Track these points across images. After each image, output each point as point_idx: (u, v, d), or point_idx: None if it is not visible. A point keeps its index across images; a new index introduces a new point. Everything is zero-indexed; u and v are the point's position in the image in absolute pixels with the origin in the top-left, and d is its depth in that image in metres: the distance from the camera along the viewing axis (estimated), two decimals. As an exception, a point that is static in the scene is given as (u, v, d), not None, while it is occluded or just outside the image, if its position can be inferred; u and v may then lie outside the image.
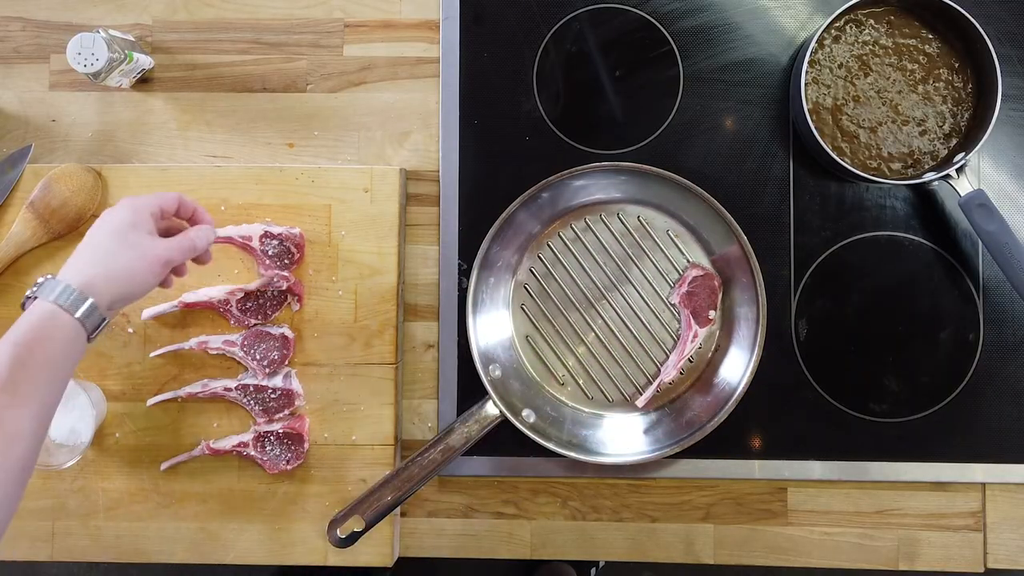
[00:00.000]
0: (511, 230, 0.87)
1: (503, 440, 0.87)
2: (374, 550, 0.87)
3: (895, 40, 0.88)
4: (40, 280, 0.66)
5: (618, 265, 0.89)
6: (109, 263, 0.67)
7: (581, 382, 0.90)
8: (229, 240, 0.86)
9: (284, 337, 0.87)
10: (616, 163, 0.86)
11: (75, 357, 0.65)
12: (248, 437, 0.87)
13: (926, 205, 0.90)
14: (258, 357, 0.86)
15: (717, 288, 0.88)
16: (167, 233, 0.76)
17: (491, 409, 0.85)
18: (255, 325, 0.87)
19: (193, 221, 0.78)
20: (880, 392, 0.89)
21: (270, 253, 0.86)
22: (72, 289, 0.64)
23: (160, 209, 0.73)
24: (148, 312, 0.87)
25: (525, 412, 0.86)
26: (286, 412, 0.87)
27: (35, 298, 0.64)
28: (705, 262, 0.89)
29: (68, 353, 0.64)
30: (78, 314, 0.64)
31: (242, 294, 0.86)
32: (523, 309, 0.90)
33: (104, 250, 0.67)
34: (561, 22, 0.92)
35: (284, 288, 0.86)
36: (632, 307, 0.89)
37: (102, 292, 0.65)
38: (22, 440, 0.59)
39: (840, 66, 0.87)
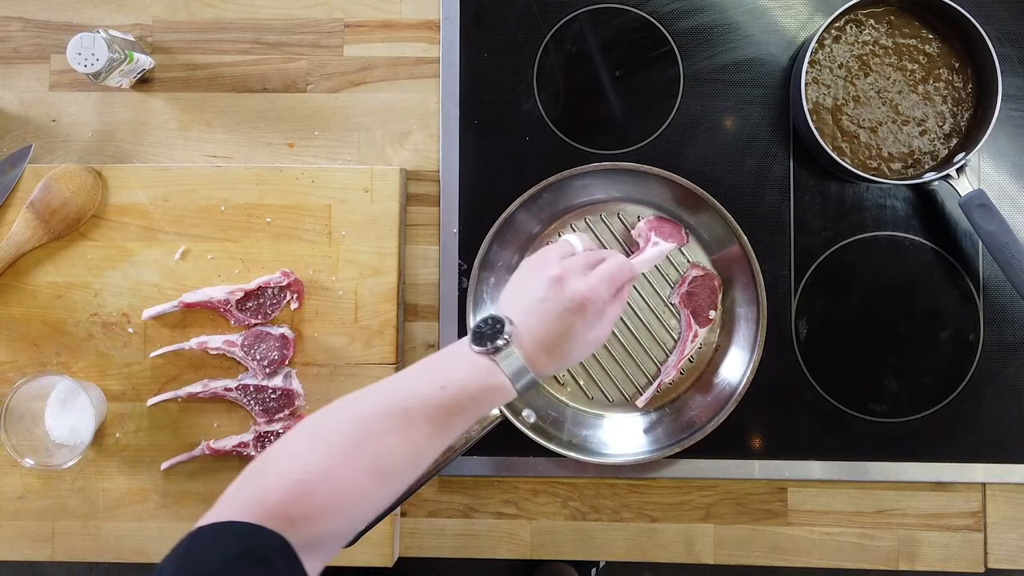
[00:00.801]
0: (511, 230, 0.87)
1: (503, 440, 0.87)
2: (374, 550, 0.87)
3: (895, 40, 0.88)
4: (502, 334, 0.64)
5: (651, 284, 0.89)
6: (560, 354, 0.65)
7: (581, 382, 0.90)
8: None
9: (284, 337, 0.87)
10: (616, 163, 0.86)
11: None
12: (248, 437, 0.87)
13: (926, 205, 0.90)
14: (258, 357, 0.86)
15: (717, 288, 0.88)
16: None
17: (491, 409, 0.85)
18: (255, 325, 0.87)
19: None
20: (880, 392, 0.89)
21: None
22: (527, 374, 0.64)
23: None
24: (148, 312, 0.87)
25: (525, 412, 0.86)
26: (286, 412, 0.87)
27: (496, 349, 0.63)
28: (705, 262, 0.89)
29: (494, 408, 0.68)
30: (522, 391, 0.64)
31: (242, 294, 0.86)
32: (523, 309, 0.90)
33: (559, 343, 0.65)
34: (561, 22, 0.92)
35: (284, 284, 0.86)
36: (632, 307, 0.89)
37: (547, 372, 0.66)
38: (421, 467, 0.62)
39: (840, 66, 0.87)
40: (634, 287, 0.89)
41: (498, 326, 0.64)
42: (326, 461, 0.57)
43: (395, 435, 0.60)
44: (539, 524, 0.91)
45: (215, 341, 0.87)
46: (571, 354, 0.66)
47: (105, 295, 0.89)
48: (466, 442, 0.84)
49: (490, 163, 0.91)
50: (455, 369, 0.64)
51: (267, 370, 0.86)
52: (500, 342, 0.64)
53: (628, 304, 0.89)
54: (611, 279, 0.67)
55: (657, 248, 0.85)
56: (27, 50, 0.94)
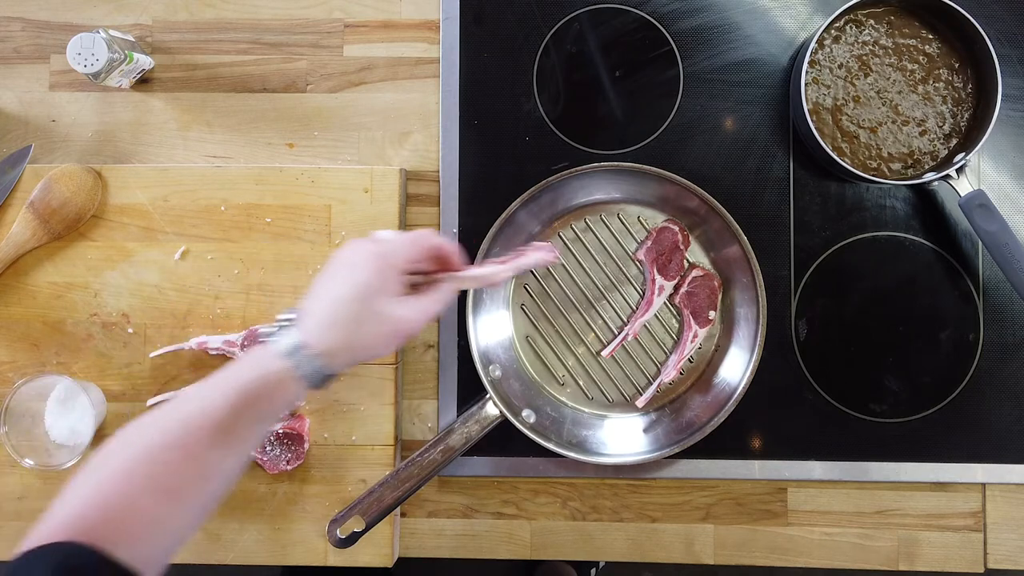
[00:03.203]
0: (511, 230, 0.87)
1: (503, 440, 0.87)
2: (374, 550, 0.87)
3: (895, 40, 0.88)
4: (283, 318, 0.63)
5: (618, 265, 0.89)
6: (353, 334, 0.63)
7: (581, 382, 0.90)
8: None
9: None
10: (616, 163, 0.86)
11: (287, 411, 0.64)
12: (248, 437, 0.87)
13: (926, 205, 0.90)
14: None
15: (717, 288, 0.88)
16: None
17: (491, 409, 0.85)
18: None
19: (444, 261, 0.70)
20: (880, 392, 0.89)
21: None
22: (315, 358, 0.61)
23: (409, 262, 0.66)
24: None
25: (525, 412, 0.86)
26: (286, 412, 0.87)
27: (271, 341, 0.62)
28: (705, 262, 0.89)
29: (283, 410, 0.63)
30: (310, 382, 0.62)
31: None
32: (523, 309, 0.90)
33: (350, 318, 0.62)
34: (561, 22, 0.92)
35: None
36: (632, 307, 0.89)
37: (339, 362, 0.63)
38: (216, 480, 0.60)
39: (840, 66, 0.87)
40: (634, 287, 0.89)
41: (290, 315, 0.63)
42: (106, 491, 0.56)
43: (175, 451, 0.57)
44: (539, 524, 0.91)
45: (215, 341, 0.86)
46: (361, 339, 0.63)
47: (105, 295, 0.89)
48: (466, 442, 0.84)
49: (490, 163, 0.91)
50: (238, 368, 0.61)
51: None
52: (283, 317, 0.63)
53: (628, 304, 0.89)
54: (407, 254, 0.65)
55: (490, 269, 0.72)
56: (27, 50, 0.94)
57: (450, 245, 0.69)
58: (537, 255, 0.73)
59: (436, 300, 0.67)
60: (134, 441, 0.59)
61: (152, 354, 0.87)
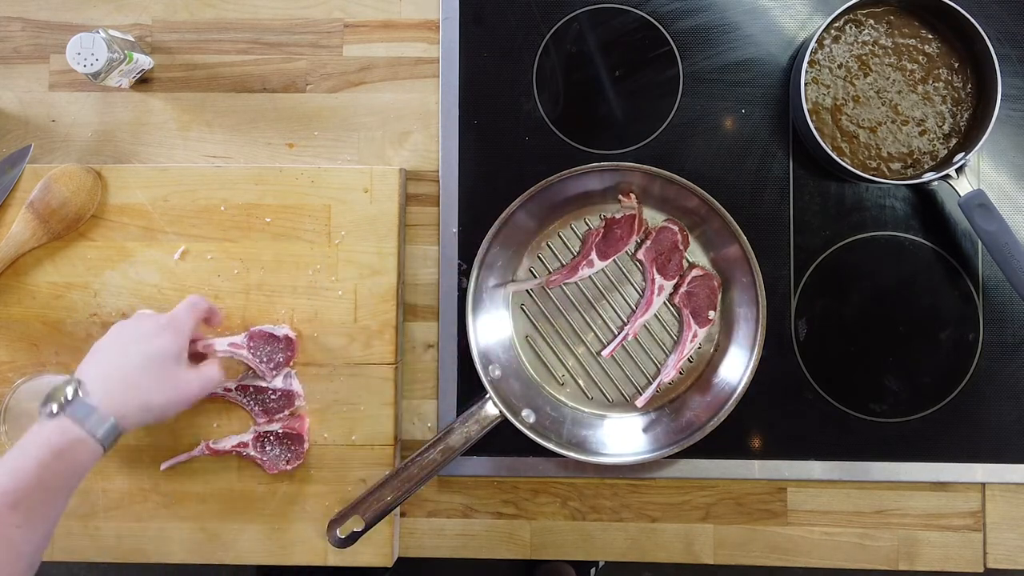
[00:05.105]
0: (511, 230, 0.87)
1: (503, 440, 0.87)
2: (374, 550, 0.87)
3: (895, 40, 0.88)
4: (68, 391, 0.64)
5: (618, 265, 0.89)
6: (146, 397, 0.66)
7: (581, 382, 0.90)
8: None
9: (288, 339, 0.86)
10: (616, 163, 0.86)
11: (87, 473, 0.66)
12: (248, 437, 0.87)
13: (926, 205, 0.90)
14: (264, 359, 0.86)
15: (716, 288, 0.88)
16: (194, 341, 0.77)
17: (491, 409, 0.85)
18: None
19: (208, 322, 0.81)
20: (880, 392, 0.89)
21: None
22: (106, 421, 0.63)
23: (192, 331, 0.72)
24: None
25: (525, 412, 0.86)
26: (286, 412, 0.87)
27: (62, 413, 0.62)
28: (704, 262, 0.89)
29: (84, 473, 0.64)
30: (106, 444, 0.63)
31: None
32: (523, 309, 0.90)
33: (142, 383, 0.66)
34: (561, 22, 0.92)
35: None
36: (632, 307, 0.89)
37: (133, 422, 0.65)
38: (26, 558, 0.59)
39: (840, 66, 0.87)
40: (634, 287, 0.89)
41: (65, 387, 0.65)
42: None
43: None
44: (539, 524, 0.91)
45: (220, 344, 0.86)
46: (155, 402, 0.67)
47: (104, 295, 0.89)
48: (465, 442, 0.84)
49: (490, 163, 0.91)
50: (35, 437, 0.62)
51: (273, 372, 0.86)
52: (68, 388, 0.64)
53: (628, 304, 0.89)
54: (196, 318, 0.73)
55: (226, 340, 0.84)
56: (27, 50, 0.94)
57: (212, 306, 0.79)
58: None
59: (215, 365, 0.75)
60: None
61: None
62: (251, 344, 0.86)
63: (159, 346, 0.69)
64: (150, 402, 0.67)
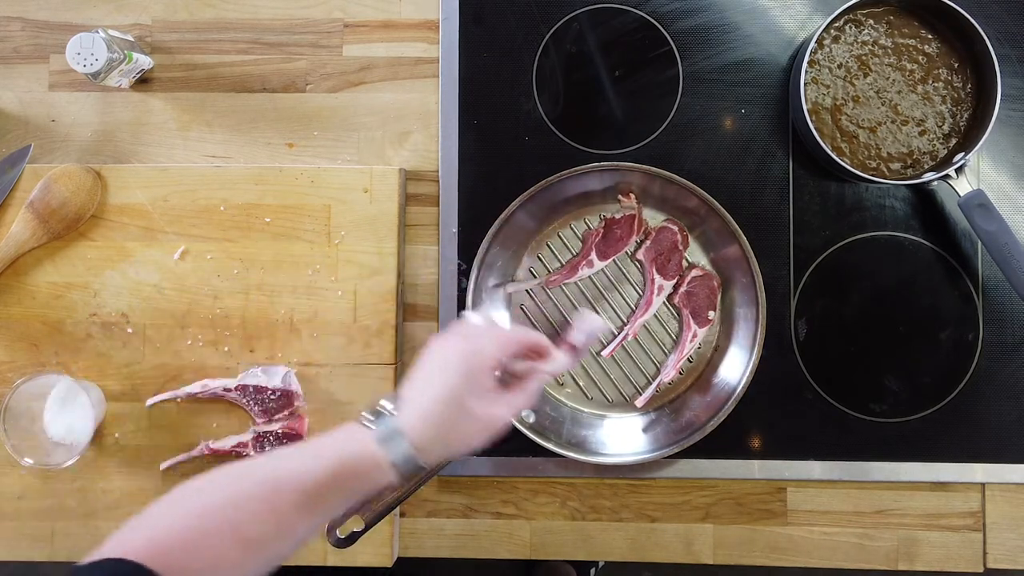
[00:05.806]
0: (511, 230, 0.87)
1: (503, 440, 0.87)
2: (374, 550, 0.87)
3: (894, 40, 0.88)
4: (384, 411, 0.64)
5: (618, 265, 0.89)
6: (446, 432, 0.64)
7: (581, 382, 0.90)
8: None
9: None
10: (616, 163, 0.86)
11: (371, 494, 0.67)
12: (247, 437, 0.87)
13: (926, 205, 0.90)
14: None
15: (716, 288, 0.88)
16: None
17: (491, 409, 0.85)
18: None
19: (536, 355, 0.70)
20: (880, 392, 0.89)
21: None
22: (412, 456, 0.63)
23: (498, 361, 0.67)
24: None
25: (525, 412, 0.86)
26: (286, 412, 0.87)
27: (370, 425, 0.63)
28: (704, 262, 0.89)
29: (369, 492, 0.65)
30: (400, 471, 0.63)
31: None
32: (523, 309, 0.90)
33: (444, 418, 0.64)
34: (561, 22, 0.92)
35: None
36: (632, 307, 0.89)
37: (431, 456, 0.64)
38: (290, 541, 0.61)
39: (839, 66, 0.87)
40: (634, 287, 0.89)
41: (389, 404, 0.65)
42: (183, 524, 0.57)
43: (261, 504, 0.59)
44: (538, 524, 0.91)
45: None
46: (458, 440, 0.65)
47: (104, 295, 0.89)
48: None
49: (489, 163, 0.91)
50: (335, 441, 0.63)
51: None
52: (385, 408, 0.64)
53: (628, 304, 0.89)
54: (499, 352, 0.66)
55: (567, 358, 0.71)
56: (26, 50, 0.94)
57: (544, 340, 0.70)
58: (591, 326, 0.73)
59: (525, 395, 0.68)
60: (224, 485, 0.60)
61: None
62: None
63: (454, 381, 0.64)
64: (446, 437, 0.64)
